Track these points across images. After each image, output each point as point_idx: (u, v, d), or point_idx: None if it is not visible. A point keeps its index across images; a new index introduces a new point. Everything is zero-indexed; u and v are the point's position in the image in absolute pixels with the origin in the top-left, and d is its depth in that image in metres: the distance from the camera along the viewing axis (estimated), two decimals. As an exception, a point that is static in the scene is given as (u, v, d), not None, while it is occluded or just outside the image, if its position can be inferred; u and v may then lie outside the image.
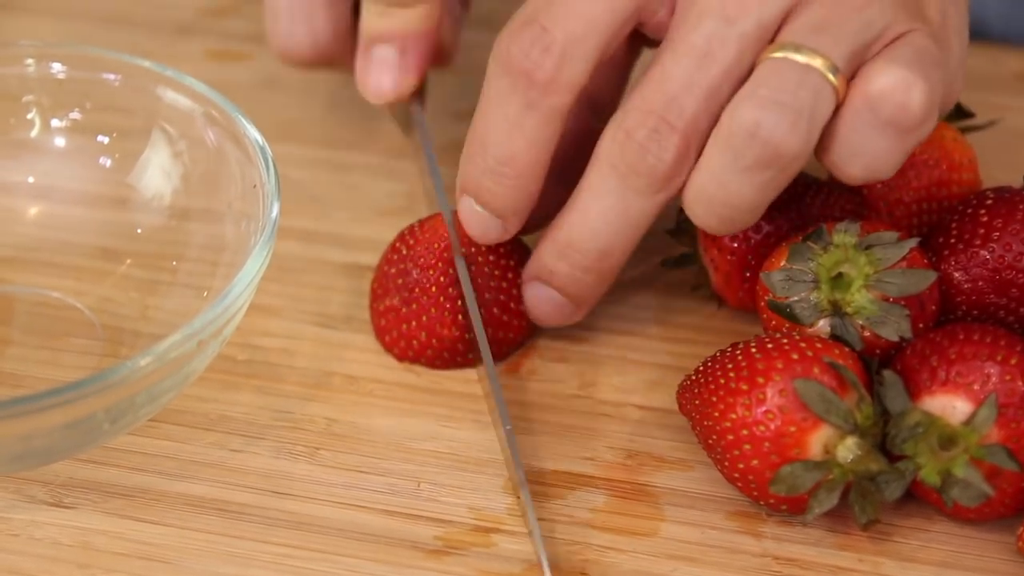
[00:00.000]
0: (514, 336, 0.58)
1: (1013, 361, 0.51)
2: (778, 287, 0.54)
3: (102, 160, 0.62)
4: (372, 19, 0.60)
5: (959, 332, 0.52)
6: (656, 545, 0.53)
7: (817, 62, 0.51)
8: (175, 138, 0.60)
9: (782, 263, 0.55)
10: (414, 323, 0.58)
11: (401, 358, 0.59)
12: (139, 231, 0.61)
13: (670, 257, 0.60)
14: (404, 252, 0.58)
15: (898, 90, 0.51)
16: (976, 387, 0.51)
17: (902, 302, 0.54)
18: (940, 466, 0.52)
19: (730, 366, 0.52)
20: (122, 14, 0.76)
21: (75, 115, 0.62)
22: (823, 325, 0.54)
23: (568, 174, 0.55)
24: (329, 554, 0.52)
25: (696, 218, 0.53)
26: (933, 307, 0.55)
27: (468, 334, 0.57)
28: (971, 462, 0.51)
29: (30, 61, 0.61)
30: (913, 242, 0.54)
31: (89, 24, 0.75)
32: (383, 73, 0.61)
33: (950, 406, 0.51)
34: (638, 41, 0.57)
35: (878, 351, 0.54)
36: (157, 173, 0.61)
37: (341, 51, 0.62)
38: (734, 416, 0.52)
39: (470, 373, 0.58)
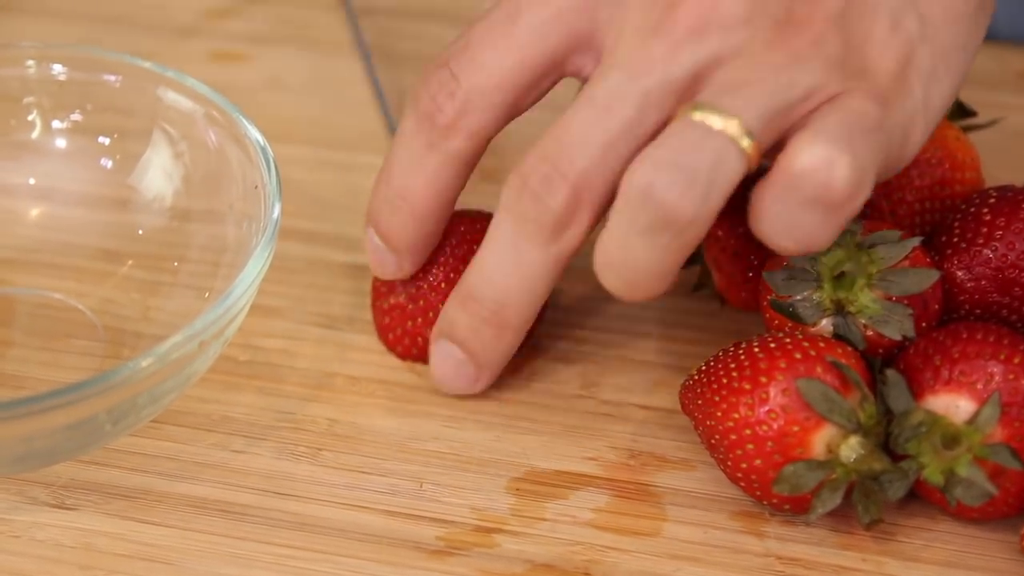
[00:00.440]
0: None
1: (1016, 360, 0.51)
2: (780, 286, 0.54)
3: (103, 161, 0.62)
4: None
5: (962, 331, 0.52)
6: (659, 545, 0.53)
7: (731, 124, 0.49)
8: (176, 139, 0.60)
9: (784, 262, 0.54)
10: (419, 320, 0.57)
11: (404, 356, 0.59)
12: (140, 232, 0.61)
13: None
14: None
15: (820, 168, 0.48)
16: (979, 386, 0.51)
17: (905, 301, 0.53)
18: (943, 465, 0.52)
19: (733, 365, 0.52)
20: (123, 15, 0.76)
21: (76, 116, 0.62)
22: (826, 324, 0.54)
23: None
24: (331, 555, 0.52)
25: (605, 282, 0.52)
26: (936, 306, 0.55)
27: None
28: (975, 461, 0.51)
29: (31, 62, 0.61)
30: (916, 241, 0.54)
31: (90, 25, 0.75)
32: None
33: (953, 405, 0.51)
34: None
35: (881, 350, 0.54)
36: (158, 174, 0.61)
37: None
38: (737, 416, 0.52)
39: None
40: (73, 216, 0.62)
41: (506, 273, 0.54)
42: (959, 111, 0.60)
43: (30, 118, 0.62)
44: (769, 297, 0.55)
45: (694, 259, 0.59)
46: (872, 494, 0.52)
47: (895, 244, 0.54)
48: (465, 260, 0.57)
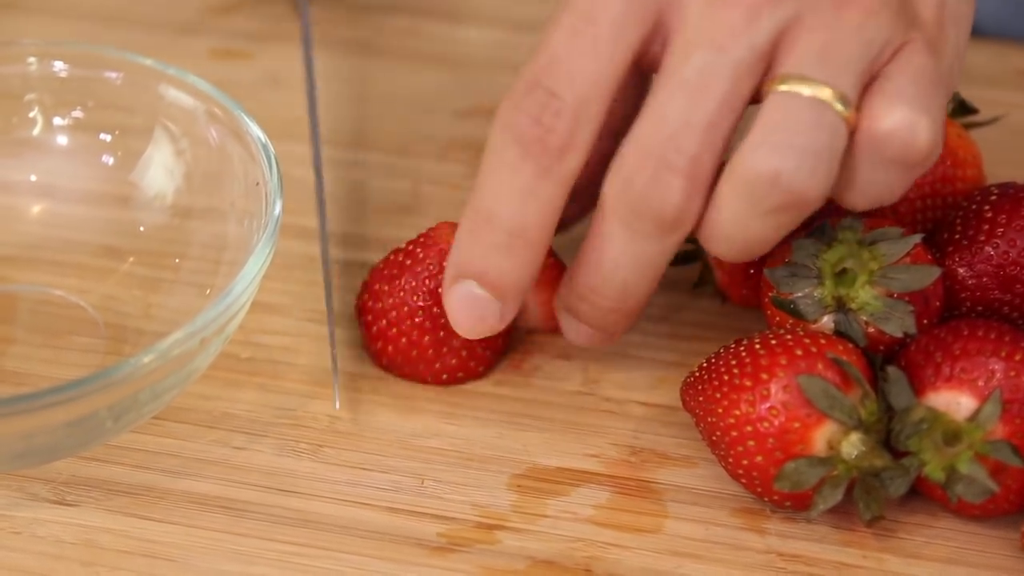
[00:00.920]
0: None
1: (1018, 357, 0.51)
2: (782, 283, 0.54)
3: (104, 158, 0.62)
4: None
5: (963, 328, 0.52)
6: (660, 542, 0.53)
7: (826, 93, 0.49)
8: (177, 136, 0.60)
9: (786, 259, 0.54)
10: (446, 351, 0.57)
11: (434, 382, 0.58)
12: (142, 229, 0.61)
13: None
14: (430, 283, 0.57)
15: (903, 129, 0.50)
16: (980, 383, 0.51)
17: (906, 298, 0.53)
18: (944, 462, 0.52)
19: (734, 362, 0.52)
20: (125, 13, 0.76)
21: (77, 113, 0.62)
22: (827, 321, 0.54)
23: (590, 195, 0.54)
24: (333, 551, 0.52)
25: (712, 250, 0.52)
26: (937, 303, 0.55)
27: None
28: (976, 458, 0.51)
29: (32, 59, 0.61)
30: (917, 238, 0.54)
31: (92, 23, 0.75)
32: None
33: (954, 402, 0.51)
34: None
35: (882, 347, 0.54)
36: (159, 171, 0.61)
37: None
38: (738, 412, 0.52)
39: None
40: (74, 213, 0.62)
41: (626, 270, 0.52)
42: (960, 108, 0.60)
43: (31, 115, 0.62)
44: (770, 294, 0.55)
45: (695, 256, 0.59)
46: (873, 491, 0.52)
47: (897, 241, 0.54)
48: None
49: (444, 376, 0.57)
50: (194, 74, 0.60)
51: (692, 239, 0.59)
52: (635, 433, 0.56)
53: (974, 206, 0.57)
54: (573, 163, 0.51)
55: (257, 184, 0.56)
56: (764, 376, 0.51)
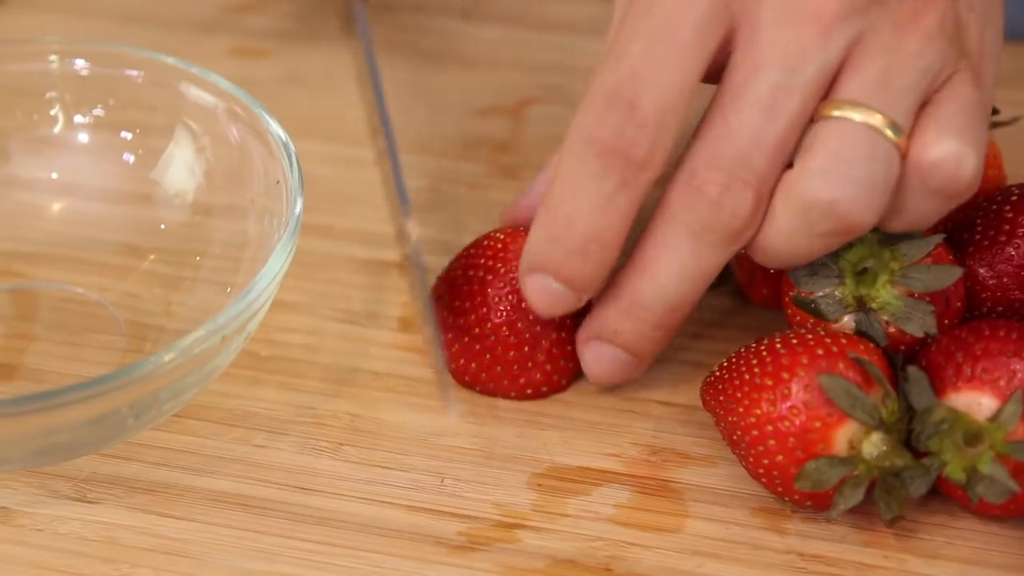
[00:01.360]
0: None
1: (1039, 357, 0.51)
2: (802, 283, 0.54)
3: (125, 156, 0.62)
4: None
5: (984, 328, 0.52)
6: (681, 541, 0.53)
7: (877, 119, 0.50)
8: (198, 134, 0.60)
9: (807, 259, 0.54)
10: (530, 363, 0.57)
11: (518, 397, 0.58)
12: (162, 227, 0.61)
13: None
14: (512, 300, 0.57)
15: (950, 162, 0.50)
16: (1002, 383, 0.51)
17: (927, 298, 0.53)
18: (965, 462, 0.51)
19: (754, 362, 0.52)
20: (144, 11, 0.76)
21: (98, 111, 0.62)
22: (848, 321, 0.54)
23: None
24: (353, 549, 0.52)
25: (754, 258, 0.53)
26: (958, 303, 0.54)
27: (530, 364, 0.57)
28: (997, 458, 0.51)
29: (54, 57, 0.61)
30: (938, 238, 0.54)
31: (111, 21, 0.75)
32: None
33: (976, 402, 0.51)
34: None
35: (902, 347, 0.54)
36: (180, 169, 0.61)
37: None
38: (759, 412, 0.52)
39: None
40: (95, 211, 0.62)
41: (682, 281, 0.53)
42: (981, 108, 0.60)
43: (53, 113, 0.62)
44: (791, 293, 0.55)
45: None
46: (894, 491, 0.52)
47: (918, 241, 0.54)
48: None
49: (529, 391, 0.57)
50: (214, 72, 0.60)
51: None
52: (655, 433, 0.56)
53: (995, 206, 0.57)
54: (652, 173, 0.52)
55: (278, 182, 0.56)
56: (785, 375, 0.51)
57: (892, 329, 0.53)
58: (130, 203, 0.62)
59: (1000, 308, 0.56)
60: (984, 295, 0.56)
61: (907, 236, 0.54)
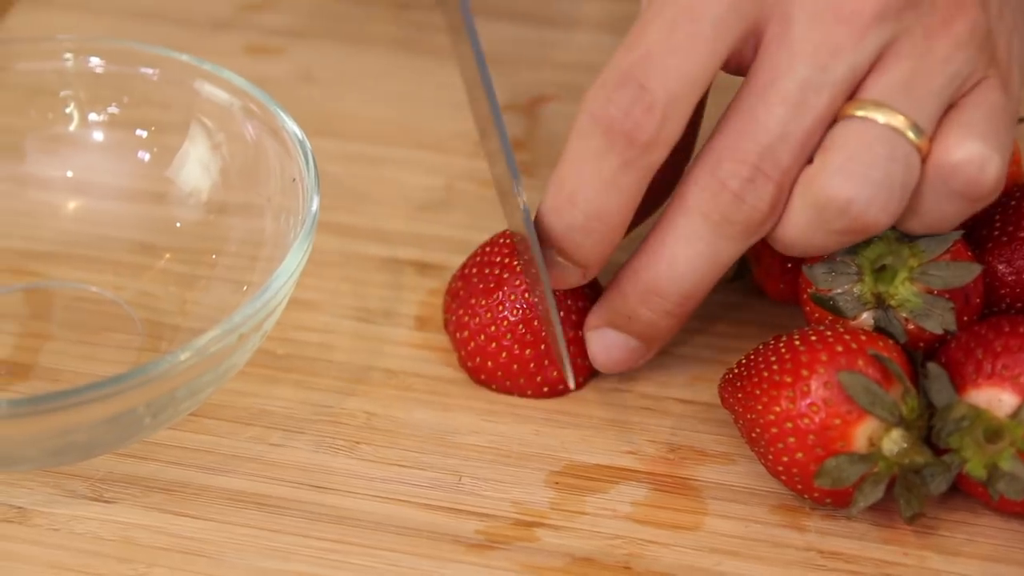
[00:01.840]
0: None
1: (1059, 353, 0.51)
2: (821, 280, 0.54)
3: (140, 154, 0.62)
4: None
5: (1004, 325, 0.52)
6: (699, 539, 0.53)
7: (899, 121, 0.50)
8: (213, 132, 0.60)
9: (825, 256, 0.54)
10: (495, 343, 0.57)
11: (535, 395, 0.57)
12: (178, 225, 0.61)
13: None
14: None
15: (973, 165, 0.50)
16: (1023, 380, 0.51)
17: (946, 295, 0.53)
18: (986, 459, 0.51)
19: (773, 359, 0.52)
20: (157, 9, 0.76)
21: (113, 109, 0.62)
22: (866, 318, 0.54)
23: (646, 201, 0.54)
24: (370, 548, 0.52)
25: (775, 248, 0.53)
26: (977, 300, 0.54)
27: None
28: (1017, 455, 0.51)
29: (68, 55, 0.61)
30: (957, 235, 0.53)
31: (125, 19, 0.75)
32: None
33: (996, 399, 0.51)
34: None
35: (922, 344, 0.54)
36: (196, 167, 0.61)
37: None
38: (778, 409, 0.51)
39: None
40: (110, 209, 0.62)
41: (701, 271, 0.53)
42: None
43: (68, 111, 0.62)
44: (809, 290, 0.54)
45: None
46: (914, 488, 0.51)
47: (937, 238, 0.53)
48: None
49: (545, 389, 0.57)
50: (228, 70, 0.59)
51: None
52: (673, 430, 0.56)
53: (1013, 202, 0.56)
54: (656, 157, 0.51)
55: (294, 180, 0.56)
56: (805, 372, 0.51)
57: (911, 326, 0.53)
58: (145, 201, 0.62)
59: (1019, 304, 0.55)
60: (1003, 291, 0.55)
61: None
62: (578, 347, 0.57)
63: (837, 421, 0.51)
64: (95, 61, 0.61)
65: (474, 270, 0.57)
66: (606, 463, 0.55)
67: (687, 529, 0.53)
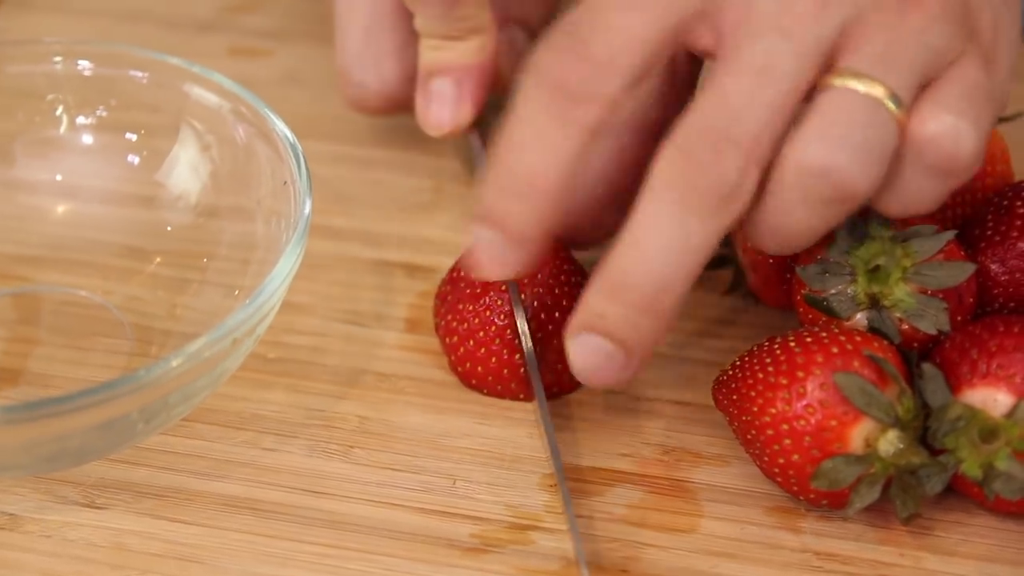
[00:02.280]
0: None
1: (1054, 353, 0.51)
2: (814, 280, 0.54)
3: (130, 158, 0.61)
4: (428, 53, 0.60)
5: (998, 324, 0.52)
6: (696, 541, 0.53)
7: (879, 90, 0.49)
8: (203, 135, 0.60)
9: (818, 256, 0.54)
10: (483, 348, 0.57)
11: (527, 399, 0.57)
12: (168, 229, 0.61)
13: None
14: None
15: (947, 138, 0.50)
16: (1018, 379, 0.51)
17: (940, 295, 0.53)
18: (981, 459, 0.51)
19: (768, 360, 0.52)
20: (143, 11, 0.75)
21: (102, 112, 0.61)
22: (860, 318, 0.54)
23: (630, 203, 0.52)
24: (365, 553, 0.52)
25: (754, 242, 0.52)
26: (971, 300, 0.54)
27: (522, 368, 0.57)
28: (1013, 455, 0.51)
29: (57, 58, 0.60)
30: (950, 234, 0.53)
31: (109, 21, 0.75)
32: (441, 106, 0.60)
33: (991, 399, 0.51)
34: (699, 67, 0.56)
35: (915, 344, 0.54)
36: (185, 170, 0.61)
37: (411, 96, 0.62)
38: (774, 410, 0.51)
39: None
40: (99, 213, 0.62)
41: (670, 254, 0.50)
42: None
43: (56, 114, 0.61)
44: (803, 292, 0.54)
45: (727, 261, 0.59)
46: (910, 488, 0.51)
47: (930, 238, 0.53)
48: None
49: None
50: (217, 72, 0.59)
51: (725, 242, 0.59)
52: (667, 432, 0.56)
53: (1005, 202, 0.56)
54: (592, 114, 0.50)
55: (285, 183, 0.56)
56: (800, 374, 0.51)
57: (905, 326, 0.53)
58: (135, 205, 0.61)
59: (1012, 304, 0.55)
60: (996, 291, 0.55)
61: (919, 233, 0.53)
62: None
63: (833, 422, 0.51)
64: (84, 64, 0.60)
65: (462, 274, 0.57)
66: (601, 465, 0.55)
67: (683, 532, 0.53)
